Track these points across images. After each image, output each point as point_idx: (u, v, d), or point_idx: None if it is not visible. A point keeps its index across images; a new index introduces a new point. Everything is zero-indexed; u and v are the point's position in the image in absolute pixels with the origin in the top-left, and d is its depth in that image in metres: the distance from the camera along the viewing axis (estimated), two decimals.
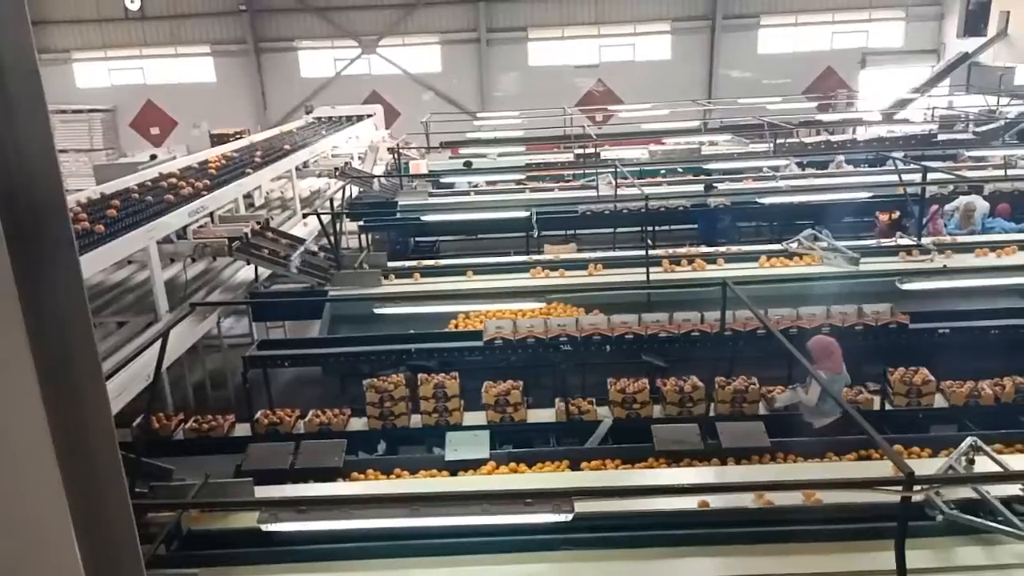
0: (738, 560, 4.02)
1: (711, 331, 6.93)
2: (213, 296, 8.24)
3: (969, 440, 4.10)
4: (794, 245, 8.99)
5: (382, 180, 13.52)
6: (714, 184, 11.99)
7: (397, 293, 7.91)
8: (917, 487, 3.21)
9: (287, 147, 12.68)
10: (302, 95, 24.83)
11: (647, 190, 10.80)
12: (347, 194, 12.12)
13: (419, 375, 6.59)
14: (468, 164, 15.42)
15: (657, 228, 11.65)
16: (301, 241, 9.08)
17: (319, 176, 13.85)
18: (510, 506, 3.30)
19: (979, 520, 3.78)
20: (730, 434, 5.79)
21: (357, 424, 6.62)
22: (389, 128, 20.87)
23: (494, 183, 13.99)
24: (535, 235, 10.98)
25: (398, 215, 11.69)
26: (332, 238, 8.98)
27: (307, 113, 19.72)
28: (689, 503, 4.38)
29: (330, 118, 18.40)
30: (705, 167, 13.78)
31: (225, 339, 8.79)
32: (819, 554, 3.91)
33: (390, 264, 9.09)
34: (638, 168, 13.73)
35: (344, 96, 22.78)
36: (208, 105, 24.79)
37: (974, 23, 22.40)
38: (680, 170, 14.22)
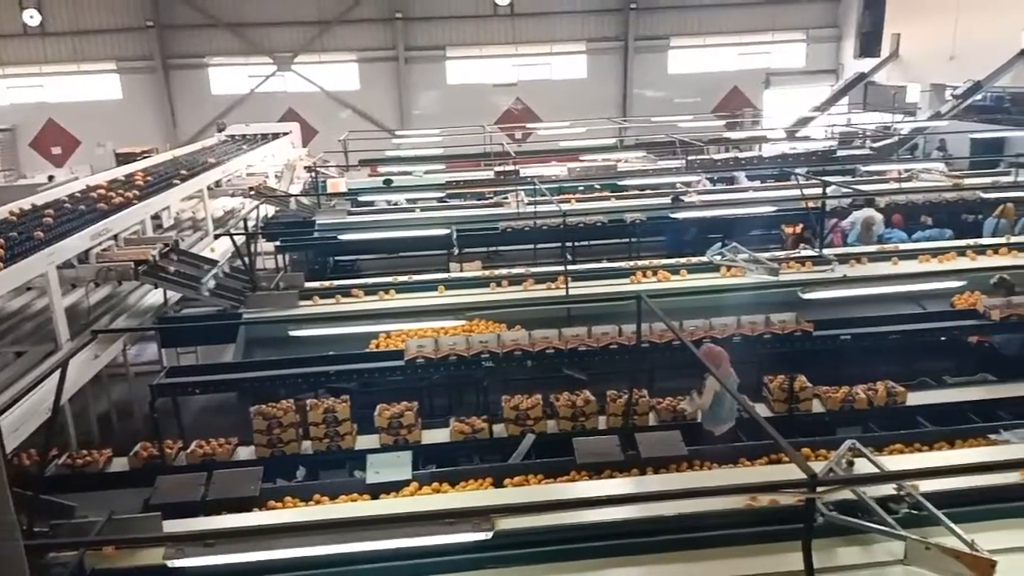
0: (659, 568, 4.09)
1: (629, 344, 7.08)
2: (118, 322, 7.90)
3: (848, 443, 4.28)
4: (717, 257, 9.29)
5: (299, 199, 13.27)
6: (680, 197, 12.28)
7: (315, 314, 7.76)
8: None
9: (211, 160, 12.52)
10: (214, 112, 24.20)
11: (583, 205, 11.00)
12: (262, 214, 11.84)
13: (307, 401, 6.48)
14: (388, 182, 15.33)
15: (577, 243, 11.85)
16: (213, 263, 8.81)
17: (233, 196, 13.50)
18: (430, 527, 3.27)
19: (856, 521, 3.93)
20: (648, 444, 5.89)
21: (244, 453, 6.45)
22: (306, 146, 20.55)
23: (414, 201, 13.94)
24: (456, 252, 10.98)
25: (316, 234, 11.49)
26: (247, 259, 8.75)
27: (219, 131, 19.20)
28: (611, 514, 4.43)
29: (244, 136, 17.98)
30: (621, 183, 14.10)
31: (132, 367, 8.43)
32: (730, 558, 4.02)
33: (308, 285, 8.91)
34: (557, 185, 13.95)
35: (259, 114, 22.34)
36: (114, 123, 23.88)
37: (869, 45, 23.79)
38: (597, 187, 14.50)
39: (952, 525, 3.73)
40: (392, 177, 15.63)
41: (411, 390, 7.20)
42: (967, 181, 13.17)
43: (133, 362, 8.70)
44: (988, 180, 13.34)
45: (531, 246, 11.80)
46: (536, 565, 4.19)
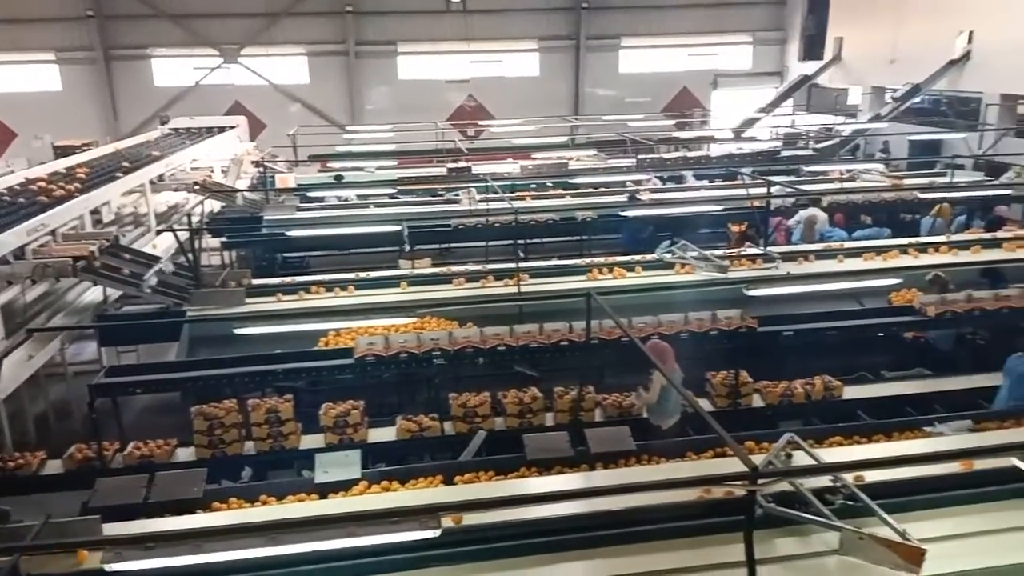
0: (609, 562, 4.14)
1: (579, 340, 7.13)
2: (55, 320, 7.65)
3: (787, 436, 4.39)
4: (667, 255, 9.42)
5: (246, 194, 13.03)
6: (637, 196, 12.37)
7: (261, 312, 7.63)
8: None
9: (154, 153, 12.20)
10: (157, 105, 23.55)
11: (537, 203, 10.97)
12: (207, 209, 11.60)
13: (249, 401, 6.40)
14: (339, 178, 15.14)
15: (529, 241, 11.87)
16: (155, 259, 8.59)
17: (176, 190, 13.17)
18: (376, 526, 3.25)
19: (794, 512, 4.02)
20: (597, 440, 5.95)
21: (185, 454, 6.32)
22: (254, 140, 20.16)
23: (365, 197, 13.81)
24: (407, 249, 10.92)
25: (264, 231, 11.30)
26: (191, 255, 8.56)
27: (162, 124, 18.71)
28: (561, 510, 4.47)
29: (188, 129, 17.55)
30: (572, 181, 14.19)
31: (71, 367, 8.18)
32: (677, 550, 4.08)
33: (255, 282, 8.75)
34: (509, 182, 13.97)
35: (204, 107, 21.83)
36: (52, 116, 23.04)
37: (812, 48, 24.37)
38: (550, 184, 14.57)
39: (885, 515, 3.86)
40: (343, 173, 15.45)
41: (361, 388, 7.14)
42: (905, 182, 13.61)
43: (71, 361, 8.45)
44: (925, 181, 13.82)
45: (483, 243, 11.80)
46: (487, 562, 4.20)
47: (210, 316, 7.70)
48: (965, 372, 7.65)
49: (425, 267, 9.72)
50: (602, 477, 5.40)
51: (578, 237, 12.21)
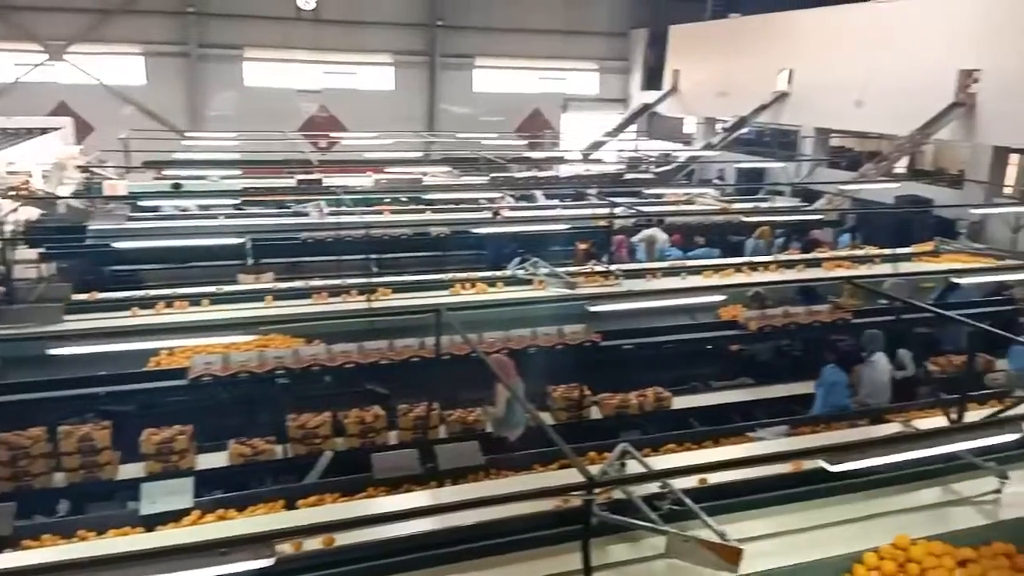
0: None
1: (430, 356, 7.11)
2: None
3: (621, 446, 4.60)
4: (520, 272, 9.58)
5: (69, 202, 12.01)
6: (499, 212, 12.42)
7: (80, 330, 7.01)
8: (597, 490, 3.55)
9: None
10: None
11: (394, 218, 10.74)
12: (24, 217, 10.58)
13: (60, 428, 5.92)
14: (177, 186, 14.24)
15: (382, 255, 11.70)
16: None
17: None
18: (204, 558, 3.05)
19: (624, 519, 4.18)
20: (446, 456, 5.95)
21: None
22: (80, 144, 18.63)
23: (207, 208, 13.10)
24: (251, 263, 10.46)
25: (88, 241, 10.43)
26: (2, 267, 7.77)
27: None
28: (407, 529, 4.42)
29: (4, 130, 15.95)
30: (425, 197, 14.19)
31: None
32: (523, 561, 4.13)
33: (75, 297, 8.05)
34: (362, 196, 13.76)
35: (24, 106, 19.90)
36: None
37: (653, 78, 25.85)
38: (403, 199, 14.49)
39: (706, 518, 4.11)
40: (181, 181, 14.55)
41: (197, 411, 6.73)
42: (734, 206, 14.71)
43: None
44: (750, 205, 15.01)
45: (334, 258, 11.50)
46: None
47: (20, 335, 6.98)
48: (783, 381, 8.33)
49: (268, 282, 9.34)
50: (450, 493, 5.40)
51: (432, 253, 12.17)
